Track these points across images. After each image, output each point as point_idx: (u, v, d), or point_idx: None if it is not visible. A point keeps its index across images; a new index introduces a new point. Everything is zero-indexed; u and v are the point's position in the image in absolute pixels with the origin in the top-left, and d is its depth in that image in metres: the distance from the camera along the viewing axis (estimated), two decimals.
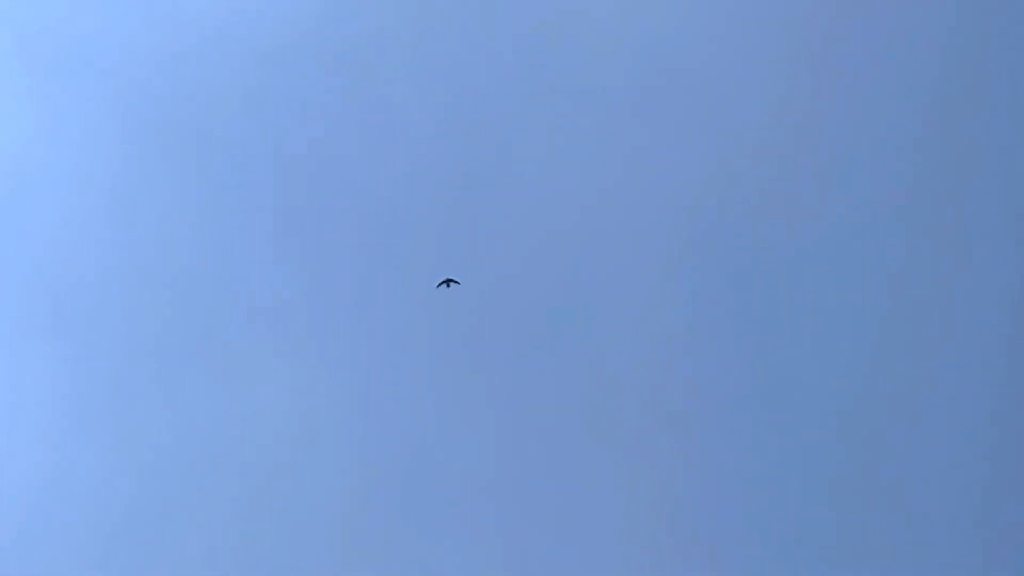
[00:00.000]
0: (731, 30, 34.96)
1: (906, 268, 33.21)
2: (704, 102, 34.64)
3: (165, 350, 34.34)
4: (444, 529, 32.69)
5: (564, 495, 32.87)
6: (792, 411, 32.68)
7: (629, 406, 33.07)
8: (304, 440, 33.94)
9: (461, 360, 33.84)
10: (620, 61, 35.02)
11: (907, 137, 33.77)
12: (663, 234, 33.98)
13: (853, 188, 33.80)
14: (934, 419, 32.09)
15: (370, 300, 34.46)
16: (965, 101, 33.71)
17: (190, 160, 35.63)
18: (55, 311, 34.77)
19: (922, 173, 33.54)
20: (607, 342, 33.43)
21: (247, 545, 32.83)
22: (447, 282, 30.82)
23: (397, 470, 33.46)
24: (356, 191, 35.22)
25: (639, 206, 34.10)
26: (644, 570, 31.74)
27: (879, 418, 32.21)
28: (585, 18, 35.35)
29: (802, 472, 32.24)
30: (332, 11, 36.08)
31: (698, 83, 34.72)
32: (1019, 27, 33.56)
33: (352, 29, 36.07)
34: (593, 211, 34.24)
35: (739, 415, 32.55)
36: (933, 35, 34.17)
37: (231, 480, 33.35)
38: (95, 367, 34.38)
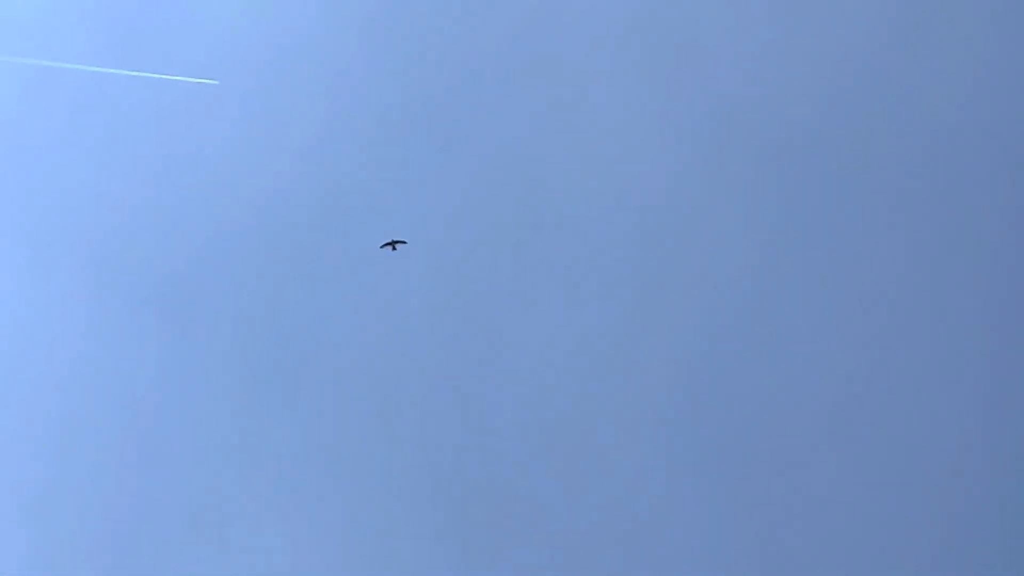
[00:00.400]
0: (723, 192, 35.25)
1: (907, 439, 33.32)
2: (698, 266, 34.85)
3: (156, 516, 34.26)
4: None
5: None
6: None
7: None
8: None
9: (455, 525, 33.73)
10: (609, 229, 35.29)
11: (908, 305, 33.99)
12: (657, 403, 34.06)
13: (850, 353, 33.94)
14: None
15: (363, 469, 34.42)
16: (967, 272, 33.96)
17: (182, 326, 35.75)
18: (47, 475, 34.72)
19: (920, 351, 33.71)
20: (604, 516, 33.43)
21: None
22: (392, 244, 29.98)
23: None
24: (348, 357, 35.32)
25: (632, 375, 34.20)
26: None
27: None
28: (573, 185, 35.67)
29: None
30: (319, 174, 36.42)
31: (690, 249, 34.94)
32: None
33: (340, 192, 36.39)
34: (587, 381, 34.35)
35: None
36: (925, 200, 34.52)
37: None
38: (81, 531, 34.29)
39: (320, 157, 36.50)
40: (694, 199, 34.90)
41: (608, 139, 35.40)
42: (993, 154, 33.86)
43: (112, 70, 36.67)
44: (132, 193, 36.68)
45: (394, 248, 28.87)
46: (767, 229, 34.46)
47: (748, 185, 34.75)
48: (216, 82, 36.49)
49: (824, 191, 34.62)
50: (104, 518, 34.02)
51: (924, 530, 31.88)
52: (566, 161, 35.44)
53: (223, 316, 35.55)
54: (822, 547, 32.15)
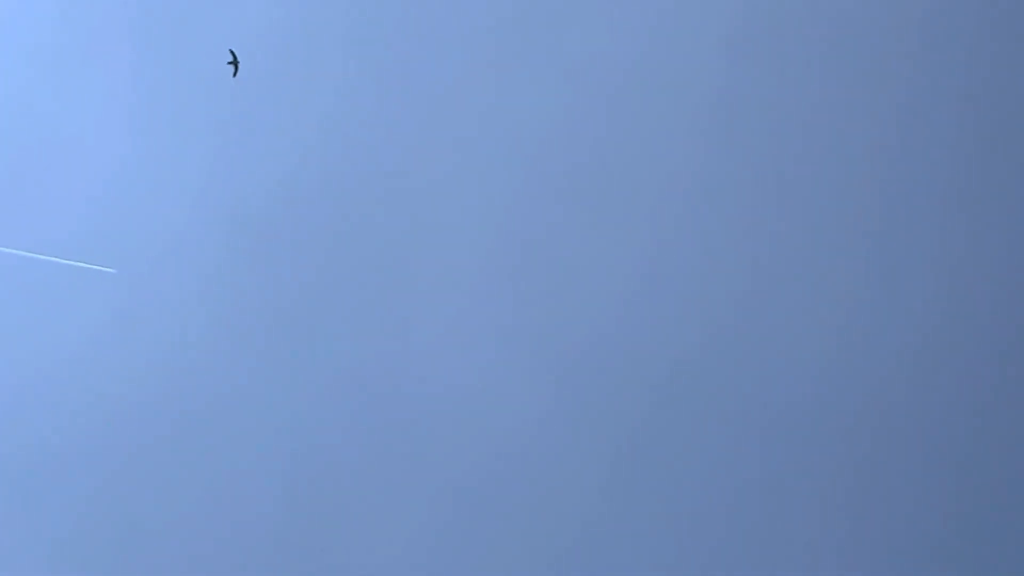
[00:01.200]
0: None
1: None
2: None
3: None
4: None
5: None
6: None
7: None
8: None
9: None
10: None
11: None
12: None
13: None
14: None
15: None
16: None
17: (49, 522, 35.20)
18: None
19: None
20: None
21: None
22: (234, 64, 28.37)
23: None
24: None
25: None
26: None
27: None
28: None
29: None
30: (210, 370, 36.21)
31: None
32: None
33: (234, 390, 36.13)
34: None
35: None
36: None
37: None
38: None
39: (214, 353, 36.26)
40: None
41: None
42: None
43: (5, 249, 36.36)
44: (14, 379, 36.32)
45: (235, 65, 27.72)
46: None
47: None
48: (113, 271, 36.29)
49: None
50: None
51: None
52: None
53: (97, 519, 35.02)
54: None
